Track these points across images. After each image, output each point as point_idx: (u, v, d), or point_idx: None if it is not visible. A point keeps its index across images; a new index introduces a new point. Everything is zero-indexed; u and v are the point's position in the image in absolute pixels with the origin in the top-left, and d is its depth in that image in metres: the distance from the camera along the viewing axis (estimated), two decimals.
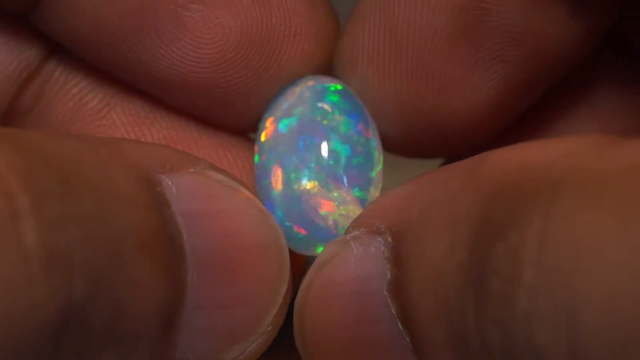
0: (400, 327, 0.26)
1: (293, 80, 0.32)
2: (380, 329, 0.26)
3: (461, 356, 0.24)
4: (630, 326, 0.20)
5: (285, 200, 0.31)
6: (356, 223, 0.28)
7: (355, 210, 0.30)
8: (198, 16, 0.31)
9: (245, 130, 0.33)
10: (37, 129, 0.33)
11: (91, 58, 0.32)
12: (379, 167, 0.32)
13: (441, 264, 0.24)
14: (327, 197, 0.31)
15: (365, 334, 0.26)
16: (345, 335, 0.27)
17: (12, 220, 0.22)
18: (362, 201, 0.31)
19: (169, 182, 0.26)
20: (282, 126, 0.31)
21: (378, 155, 0.32)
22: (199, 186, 0.27)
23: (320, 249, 0.31)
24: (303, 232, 0.31)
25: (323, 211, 0.31)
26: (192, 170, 0.27)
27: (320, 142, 0.31)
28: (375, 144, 0.32)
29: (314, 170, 0.31)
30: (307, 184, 0.31)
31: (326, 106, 0.31)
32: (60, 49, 0.33)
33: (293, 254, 0.30)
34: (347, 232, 0.28)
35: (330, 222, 0.31)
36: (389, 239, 0.27)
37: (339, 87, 0.32)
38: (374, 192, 0.31)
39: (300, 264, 0.32)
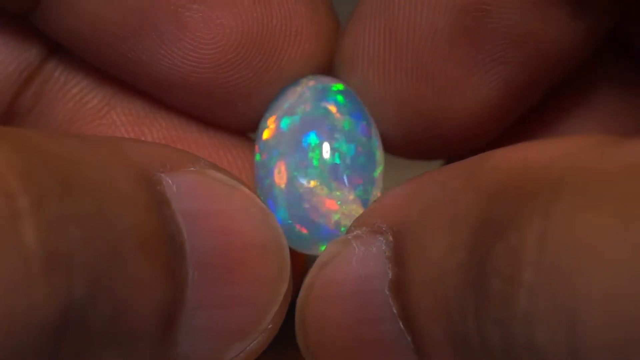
0: (402, 326, 0.26)
1: (294, 80, 0.32)
2: (381, 329, 0.26)
3: (461, 356, 0.24)
4: (630, 326, 0.20)
5: (288, 198, 0.31)
6: (358, 222, 0.28)
7: (357, 210, 0.31)
8: (199, 16, 0.31)
9: (245, 130, 0.33)
10: (37, 128, 0.33)
11: (91, 58, 0.32)
12: (380, 167, 0.32)
13: (441, 263, 0.24)
14: (329, 196, 0.31)
15: (367, 333, 0.27)
16: (346, 335, 0.27)
17: (12, 220, 0.22)
18: (363, 201, 0.31)
19: (170, 181, 0.26)
20: (284, 125, 0.31)
21: (380, 155, 0.32)
22: (199, 185, 0.27)
23: (322, 248, 0.31)
24: (304, 230, 0.31)
25: (325, 210, 0.31)
26: (192, 169, 0.27)
27: (323, 141, 0.31)
28: (377, 143, 0.32)
29: (316, 169, 0.31)
30: (309, 182, 0.31)
31: (329, 105, 0.31)
32: (60, 49, 0.33)
33: (294, 253, 0.30)
34: (348, 231, 0.28)
35: (332, 221, 0.31)
36: (390, 239, 0.27)
37: (340, 87, 0.32)
38: (376, 192, 0.31)
39: (300, 263, 0.32)
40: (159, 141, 0.33)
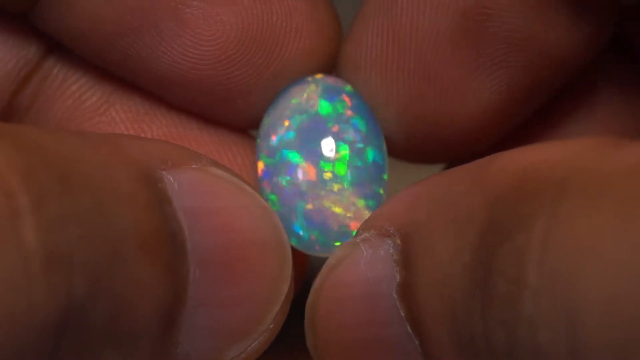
0: (409, 329, 0.26)
1: (294, 77, 0.32)
2: (389, 331, 0.26)
3: (467, 358, 0.24)
4: (630, 326, 0.20)
5: (298, 200, 0.31)
6: (366, 225, 0.28)
7: (365, 212, 0.31)
8: (199, 13, 0.31)
9: (246, 127, 0.33)
10: (37, 126, 0.33)
11: (91, 56, 0.32)
12: (387, 170, 0.32)
13: (447, 265, 0.24)
14: (339, 198, 0.31)
15: (374, 335, 0.27)
16: (355, 337, 0.27)
17: (12, 219, 0.22)
18: (372, 203, 0.31)
19: (171, 179, 0.26)
20: (295, 125, 0.31)
21: (387, 157, 0.32)
22: (201, 183, 0.27)
23: (330, 251, 0.31)
24: (314, 233, 0.31)
25: (334, 212, 0.31)
26: (194, 166, 0.27)
27: (333, 142, 0.31)
28: (385, 146, 0.32)
29: (326, 171, 0.31)
30: (320, 184, 0.31)
31: (341, 107, 0.31)
32: (59, 46, 0.33)
33: (296, 252, 0.30)
34: (357, 234, 0.28)
35: (341, 223, 0.31)
36: (398, 242, 0.27)
37: (347, 88, 0.32)
38: (384, 195, 0.31)
39: (302, 262, 0.32)
40: (158, 138, 0.33)
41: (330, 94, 0.32)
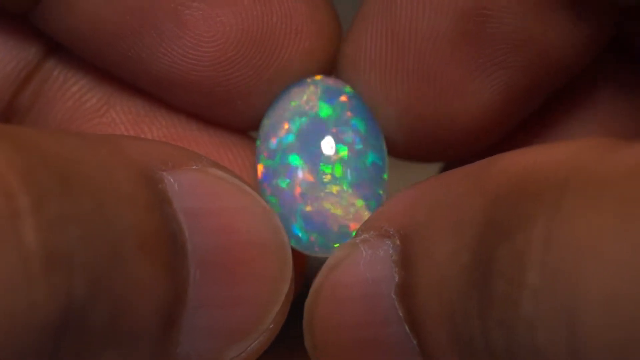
0: (408, 330, 0.26)
1: (294, 78, 0.32)
2: (387, 332, 0.26)
3: (465, 358, 0.24)
4: (630, 326, 0.20)
5: (298, 201, 0.31)
6: (365, 226, 0.28)
7: (365, 213, 0.31)
8: (199, 14, 0.31)
9: (246, 128, 0.33)
10: (37, 127, 0.33)
11: (91, 57, 0.32)
12: (387, 170, 0.32)
13: (446, 266, 0.24)
14: (339, 199, 0.31)
15: (373, 336, 0.27)
16: (353, 337, 0.27)
17: (12, 220, 0.22)
18: (372, 203, 0.31)
19: (171, 180, 0.26)
20: (295, 128, 0.31)
21: (387, 157, 0.32)
22: (201, 183, 0.27)
23: (330, 251, 0.31)
24: (314, 234, 0.31)
25: (333, 214, 0.31)
26: (194, 167, 0.27)
27: (333, 144, 0.31)
28: (384, 146, 0.32)
29: (327, 172, 0.31)
30: (320, 185, 0.31)
31: (341, 108, 0.31)
32: (59, 47, 0.33)
33: (296, 253, 0.30)
34: (356, 235, 0.28)
35: (340, 224, 0.31)
36: (397, 242, 0.27)
37: (347, 89, 0.32)
38: (384, 195, 0.31)
39: (302, 262, 0.32)
40: (158, 139, 0.33)
41: (330, 96, 0.32)
